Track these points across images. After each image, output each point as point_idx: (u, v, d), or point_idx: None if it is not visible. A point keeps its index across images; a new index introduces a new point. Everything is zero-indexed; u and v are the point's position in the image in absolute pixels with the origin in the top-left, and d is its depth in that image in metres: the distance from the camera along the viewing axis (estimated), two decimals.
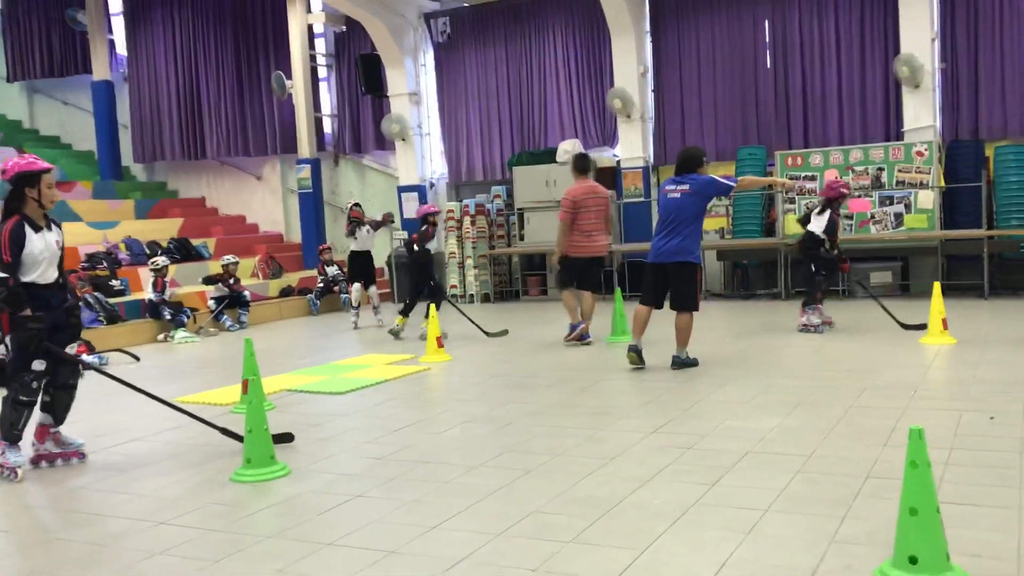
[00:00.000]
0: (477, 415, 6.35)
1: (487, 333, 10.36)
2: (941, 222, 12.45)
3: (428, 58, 16.73)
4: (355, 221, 12.02)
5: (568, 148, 14.41)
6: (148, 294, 12.05)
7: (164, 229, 15.90)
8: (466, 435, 5.82)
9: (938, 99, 12.91)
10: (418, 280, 10.89)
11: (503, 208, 15.60)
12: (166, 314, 11.89)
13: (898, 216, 12.60)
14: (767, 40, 13.99)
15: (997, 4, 12.56)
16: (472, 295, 15.10)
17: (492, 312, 13.51)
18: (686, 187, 7.53)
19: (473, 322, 10.55)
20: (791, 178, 13.13)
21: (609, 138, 15.24)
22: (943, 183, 12.51)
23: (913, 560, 3.06)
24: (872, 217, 12.76)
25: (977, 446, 4.85)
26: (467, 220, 15.11)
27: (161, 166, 19.12)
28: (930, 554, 3.05)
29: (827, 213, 9.48)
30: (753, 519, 3.89)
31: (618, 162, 14.91)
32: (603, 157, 15.02)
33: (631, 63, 14.45)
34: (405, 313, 10.78)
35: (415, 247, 10.86)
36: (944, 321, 8.42)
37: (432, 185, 16.80)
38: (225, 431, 5.62)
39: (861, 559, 3.39)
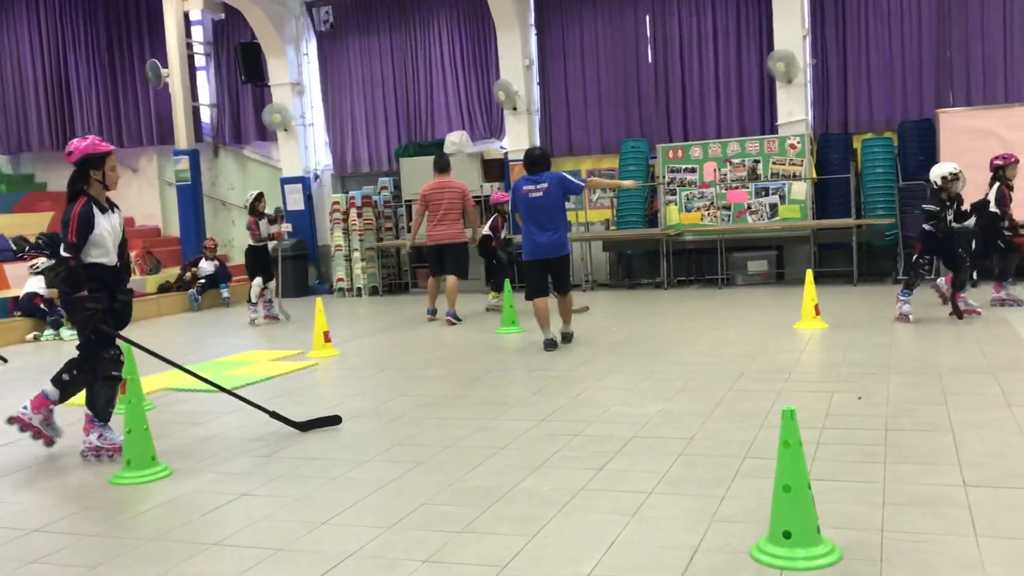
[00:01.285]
0: (366, 409, 6.32)
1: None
2: (813, 212, 13.03)
3: (311, 47, 16.46)
4: (261, 214, 11.68)
5: (455, 140, 14.44)
6: (30, 289, 11.57)
7: (32, 224, 15.15)
8: (355, 430, 5.79)
9: (810, 94, 13.50)
10: (496, 260, 11.67)
11: (391, 200, 15.50)
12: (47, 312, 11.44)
13: (773, 207, 13.12)
14: (648, 35, 14.33)
15: (863, 4, 13.20)
16: (360, 288, 14.96)
17: (381, 305, 13.43)
18: (545, 185, 8.08)
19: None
20: (671, 170, 13.52)
21: (496, 130, 15.32)
22: (815, 175, 13.09)
23: (787, 535, 3.22)
24: (749, 208, 13.25)
25: (846, 425, 5.13)
26: (353, 212, 14.94)
27: (28, 158, 18.20)
28: (802, 528, 3.22)
29: (996, 185, 9.59)
30: (638, 501, 4.01)
31: (506, 154, 15.01)
32: (490, 149, 15.10)
33: (516, 56, 14.56)
34: (498, 288, 11.29)
35: (497, 242, 11.50)
36: (816, 307, 8.83)
37: (317, 177, 16.55)
38: (278, 416, 5.69)
39: (739, 536, 3.54)
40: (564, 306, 8.46)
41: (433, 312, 10.92)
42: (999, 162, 9.50)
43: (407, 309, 12.68)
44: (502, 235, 11.80)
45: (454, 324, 10.34)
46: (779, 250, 13.55)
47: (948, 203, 8.54)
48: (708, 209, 13.43)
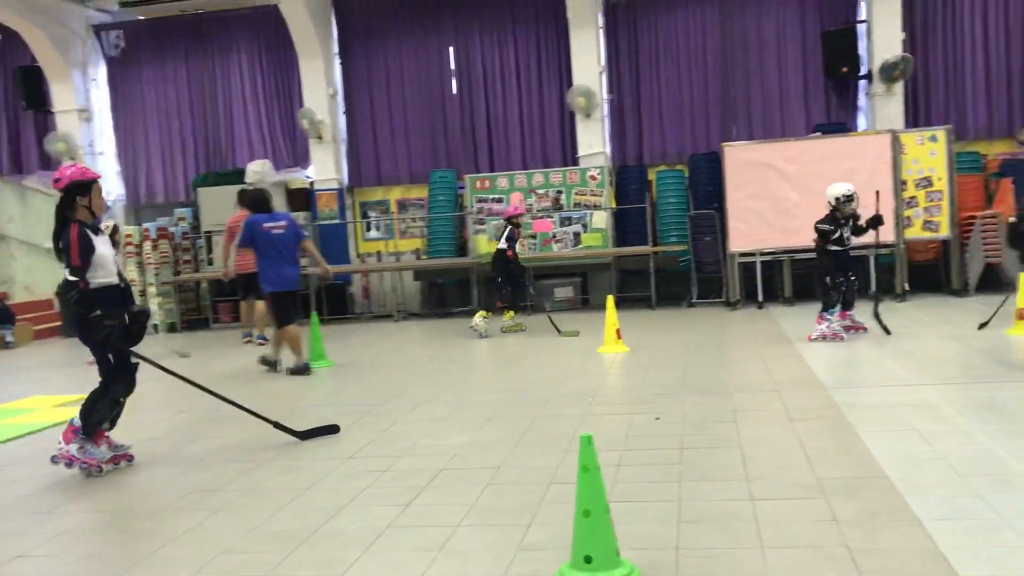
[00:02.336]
0: (162, 455, 5.98)
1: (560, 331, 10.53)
2: (614, 240, 13.59)
3: (100, 72, 15.57)
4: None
5: (257, 169, 14.05)
6: None
7: None
8: (151, 477, 5.46)
9: (607, 128, 14.11)
10: (516, 280, 11.18)
11: (188, 231, 14.85)
12: None
13: (576, 235, 13.58)
14: (452, 67, 14.54)
15: (654, 44, 13.98)
16: (156, 325, 14.19)
17: (180, 341, 12.80)
18: (283, 223, 8.81)
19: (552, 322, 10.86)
20: (479, 200, 13.73)
21: (301, 159, 15.04)
22: (615, 204, 13.66)
23: (588, 559, 3.30)
24: (554, 236, 13.64)
25: (645, 445, 5.34)
26: (148, 245, 14.19)
27: None
28: (602, 552, 3.31)
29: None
30: (446, 535, 3.99)
31: (311, 183, 14.75)
32: (296, 178, 14.80)
33: (320, 85, 14.38)
34: (514, 308, 11.29)
35: (512, 256, 10.96)
36: (618, 331, 9.18)
37: (108, 208, 15.62)
38: (280, 426, 5.97)
39: (545, 563, 3.59)
40: (292, 336, 8.83)
41: (248, 335, 11.57)
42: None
43: (208, 345, 12.13)
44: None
45: (263, 344, 10.67)
46: (583, 277, 14.00)
47: (843, 222, 8.79)
48: None
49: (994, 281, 11.71)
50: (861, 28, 13.33)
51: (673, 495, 4.35)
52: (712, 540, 3.74)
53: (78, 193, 5.40)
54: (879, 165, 11.91)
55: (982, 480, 4.25)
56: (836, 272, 8.80)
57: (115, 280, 5.50)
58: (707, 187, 13.24)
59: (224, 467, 5.52)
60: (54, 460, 5.51)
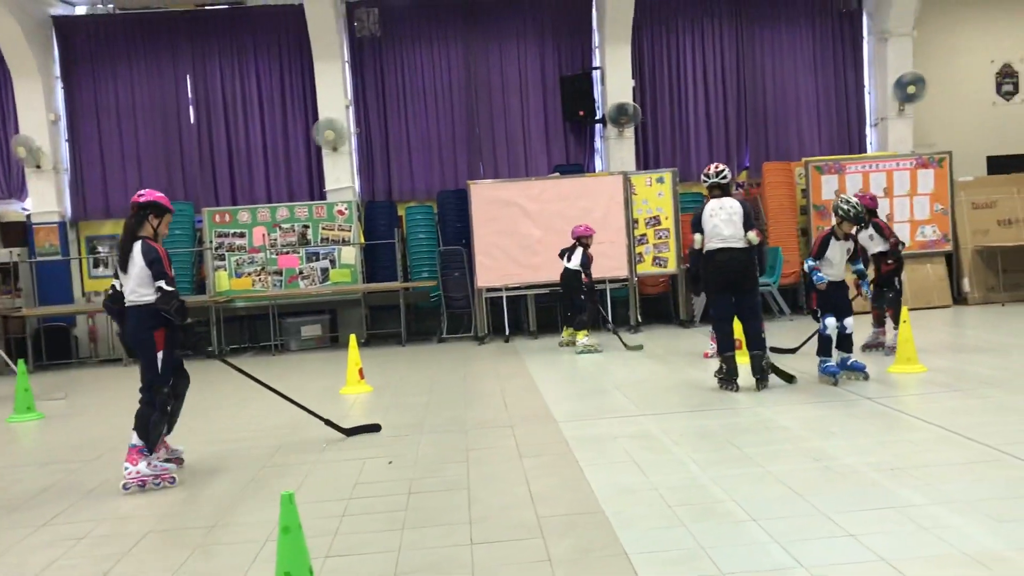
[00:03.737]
0: None
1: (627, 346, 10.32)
2: (363, 276, 13.41)
3: None
4: None
5: None
6: None
7: None
8: None
9: (355, 162, 13.96)
10: (583, 296, 10.83)
11: None
12: None
13: (324, 271, 13.27)
14: (190, 96, 13.85)
15: (401, 80, 14.03)
16: None
17: None
18: None
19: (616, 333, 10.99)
20: (219, 235, 13.11)
21: (17, 191, 13.72)
22: (363, 240, 13.50)
23: None
24: (301, 272, 13.26)
25: (373, 493, 5.18)
26: None
27: None
28: None
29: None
30: None
31: (28, 216, 13.48)
32: (10, 211, 13.49)
33: (39, 109, 13.23)
34: (582, 327, 10.81)
35: (588, 281, 10.73)
36: (361, 371, 8.99)
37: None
38: (331, 423, 6.53)
39: None
40: None
41: None
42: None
43: None
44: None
45: None
46: (332, 314, 13.71)
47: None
48: (259, 274, 13.20)
49: None
50: (597, 75, 14.07)
51: (394, 545, 4.22)
52: None
53: (152, 212, 5.72)
54: (612, 205, 12.57)
55: (687, 509, 4.46)
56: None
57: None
58: (456, 223, 13.40)
59: None
60: (126, 488, 5.53)
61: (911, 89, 13.91)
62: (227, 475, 5.83)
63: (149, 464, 5.58)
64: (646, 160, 14.24)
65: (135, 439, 5.58)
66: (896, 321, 8.45)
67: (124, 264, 5.59)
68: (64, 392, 10.15)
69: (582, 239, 10.81)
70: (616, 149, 13.85)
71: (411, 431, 6.82)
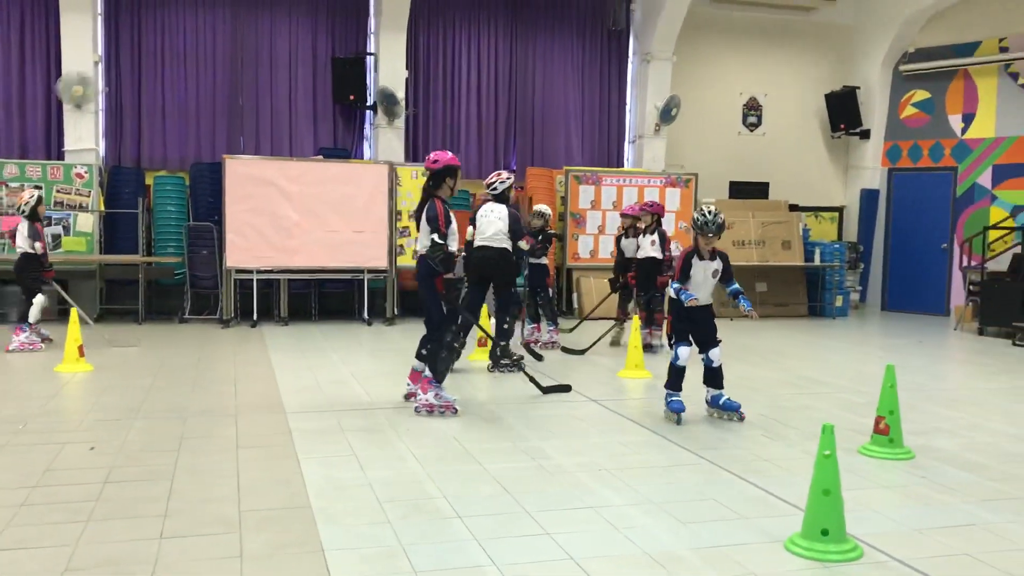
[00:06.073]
0: None
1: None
2: (101, 247, 12.47)
3: None
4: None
5: None
6: None
7: None
8: None
9: (102, 124, 12.96)
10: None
11: None
12: None
13: (57, 238, 12.22)
14: None
15: (159, 39, 13.16)
16: None
17: None
18: None
19: None
20: None
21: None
22: (104, 207, 12.56)
23: None
24: None
25: (64, 481, 4.78)
26: None
27: None
28: None
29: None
30: None
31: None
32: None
33: None
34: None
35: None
36: (81, 348, 8.33)
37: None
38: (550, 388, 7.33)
39: None
40: None
41: None
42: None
43: None
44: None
45: None
46: (64, 284, 12.61)
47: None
48: None
49: None
50: (370, 61, 13.87)
51: (71, 538, 3.90)
52: None
53: (448, 175, 6.53)
54: (376, 194, 12.43)
55: (396, 506, 4.44)
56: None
57: (458, 249, 7.11)
58: (209, 199, 12.74)
59: None
60: (417, 411, 6.56)
61: (674, 112, 14.75)
62: None
63: (436, 395, 6.55)
64: (415, 152, 14.20)
65: (427, 371, 6.60)
66: (661, 324, 9.75)
67: (417, 222, 6.57)
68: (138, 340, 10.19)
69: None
70: (385, 138, 13.72)
71: (124, 415, 6.39)
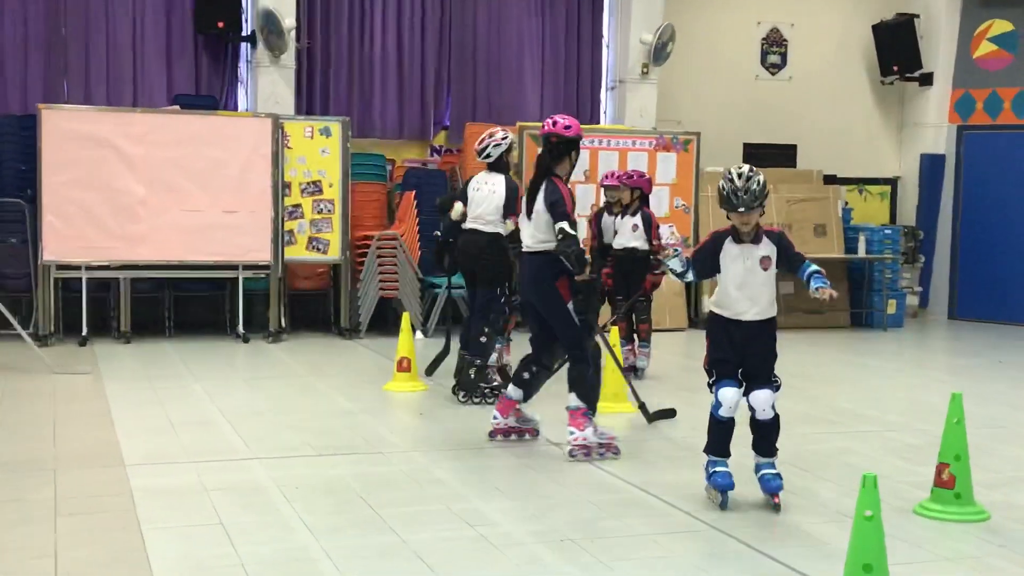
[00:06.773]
0: None
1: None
2: None
3: None
4: None
5: None
6: None
7: None
8: None
9: None
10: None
11: None
12: None
13: None
14: None
15: None
16: None
17: None
18: None
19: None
20: None
21: None
22: None
23: None
24: None
25: None
26: None
27: None
28: None
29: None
30: None
31: None
32: None
33: None
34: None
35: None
36: None
37: None
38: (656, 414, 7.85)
39: None
40: None
41: None
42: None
43: None
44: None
45: None
46: None
47: None
48: None
49: (390, 319, 12.81)
50: None
51: None
52: None
53: (573, 148, 6.82)
54: (256, 159, 12.35)
55: None
56: None
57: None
58: (18, 165, 12.59)
59: None
60: (572, 455, 6.74)
61: (669, 49, 14.83)
62: None
63: (596, 431, 6.73)
64: (310, 102, 14.19)
65: (574, 400, 6.68)
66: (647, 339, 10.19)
67: (531, 206, 6.74)
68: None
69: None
70: (267, 81, 13.66)
71: None
